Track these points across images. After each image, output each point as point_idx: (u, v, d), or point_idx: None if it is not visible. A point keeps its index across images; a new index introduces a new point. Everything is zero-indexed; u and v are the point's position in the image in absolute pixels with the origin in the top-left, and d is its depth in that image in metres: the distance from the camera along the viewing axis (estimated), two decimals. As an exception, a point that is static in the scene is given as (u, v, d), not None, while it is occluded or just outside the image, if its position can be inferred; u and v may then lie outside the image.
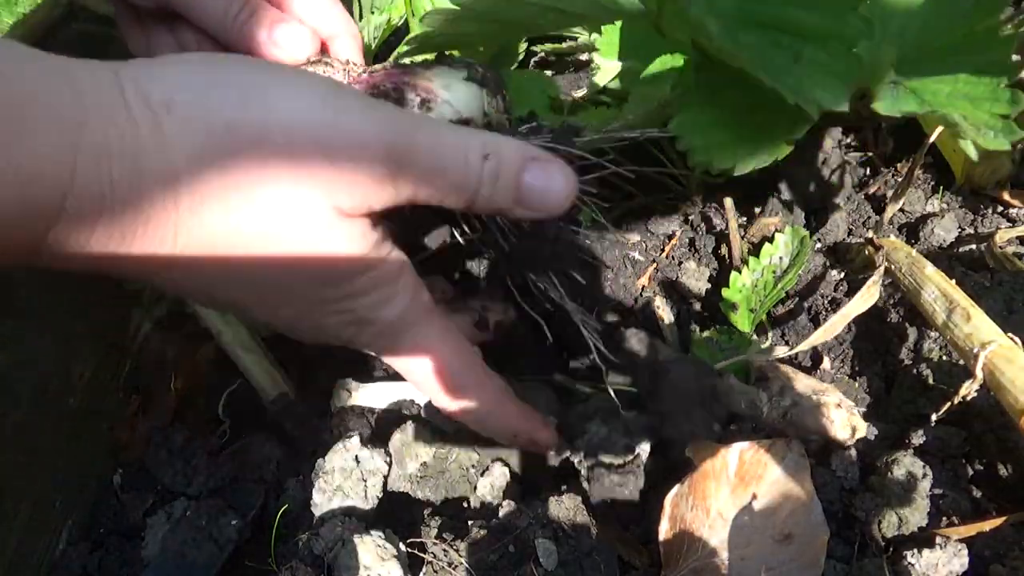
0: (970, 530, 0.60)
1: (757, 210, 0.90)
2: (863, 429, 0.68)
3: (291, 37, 0.57)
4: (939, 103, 0.68)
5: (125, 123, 0.38)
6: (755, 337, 0.78)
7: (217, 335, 0.80)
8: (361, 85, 0.55)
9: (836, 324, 0.73)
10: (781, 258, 0.82)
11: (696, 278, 0.87)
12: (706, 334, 0.79)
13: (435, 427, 0.68)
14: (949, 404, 0.64)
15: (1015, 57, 0.67)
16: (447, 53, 0.60)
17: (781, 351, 0.76)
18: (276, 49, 0.57)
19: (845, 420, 0.67)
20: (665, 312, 0.84)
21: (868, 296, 0.73)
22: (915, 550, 0.58)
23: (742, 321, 0.79)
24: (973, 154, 0.69)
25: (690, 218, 0.91)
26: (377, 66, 0.57)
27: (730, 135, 0.73)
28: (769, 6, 0.65)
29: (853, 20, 0.63)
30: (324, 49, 0.61)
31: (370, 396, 0.76)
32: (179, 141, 0.40)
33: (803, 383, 0.70)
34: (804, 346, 0.74)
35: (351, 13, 0.93)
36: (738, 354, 0.75)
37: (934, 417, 0.67)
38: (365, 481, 0.65)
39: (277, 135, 0.42)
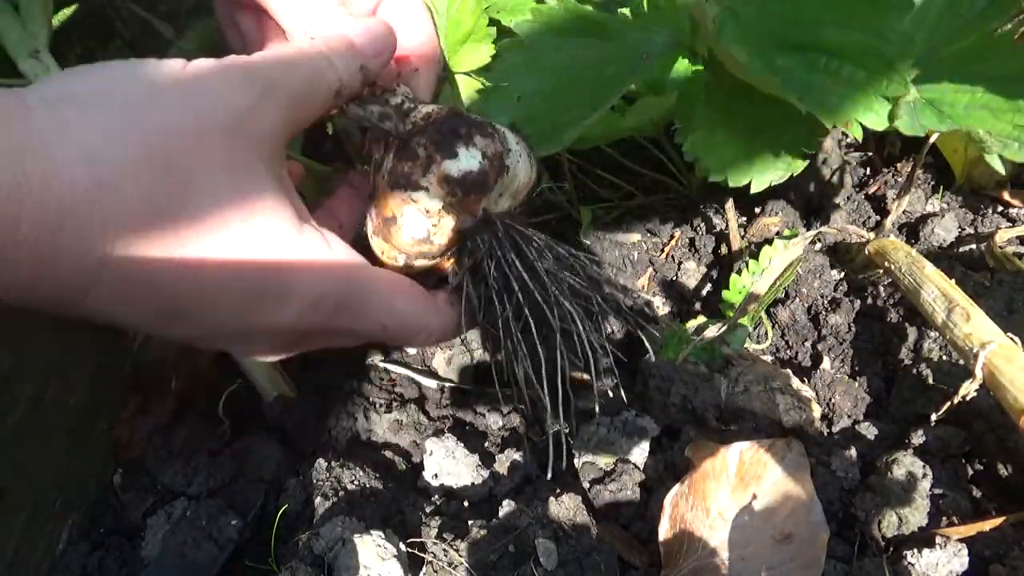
0: (970, 530, 0.60)
1: (757, 210, 0.90)
2: (817, 415, 0.68)
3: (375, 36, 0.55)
4: (957, 116, 0.66)
5: (31, 121, 0.40)
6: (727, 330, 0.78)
7: (217, 335, 0.80)
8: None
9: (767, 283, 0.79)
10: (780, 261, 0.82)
11: (696, 278, 0.87)
12: (690, 323, 0.79)
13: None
14: (949, 404, 0.64)
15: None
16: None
17: (740, 336, 0.77)
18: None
19: (790, 404, 0.67)
20: (664, 312, 0.84)
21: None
22: (915, 550, 0.58)
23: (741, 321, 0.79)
24: (1000, 167, 0.67)
25: (690, 218, 0.91)
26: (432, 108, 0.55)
27: (743, 153, 0.72)
28: (804, 28, 0.63)
29: (892, 36, 0.60)
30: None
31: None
32: (81, 127, 0.42)
33: (759, 370, 0.70)
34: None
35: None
36: (699, 341, 0.75)
37: (934, 417, 0.67)
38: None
39: (161, 96, 0.44)
